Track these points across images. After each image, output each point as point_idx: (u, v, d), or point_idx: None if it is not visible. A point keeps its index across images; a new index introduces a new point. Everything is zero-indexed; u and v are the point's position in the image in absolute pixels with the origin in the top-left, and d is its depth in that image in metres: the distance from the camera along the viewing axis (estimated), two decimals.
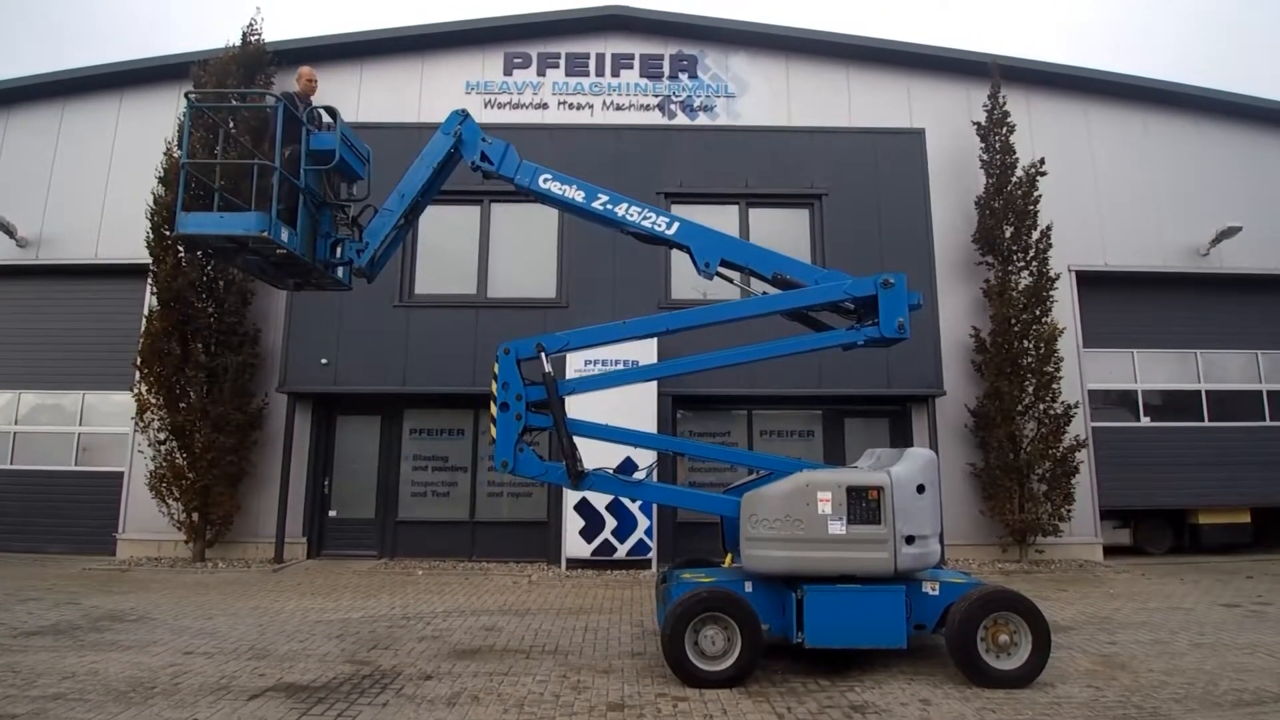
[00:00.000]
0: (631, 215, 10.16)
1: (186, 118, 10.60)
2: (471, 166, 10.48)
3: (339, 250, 10.37)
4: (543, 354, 9.75)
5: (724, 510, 9.87)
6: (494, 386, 9.82)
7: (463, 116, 10.43)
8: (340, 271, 10.59)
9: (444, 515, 18.67)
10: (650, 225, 10.12)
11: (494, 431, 9.79)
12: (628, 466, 14.22)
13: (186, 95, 10.58)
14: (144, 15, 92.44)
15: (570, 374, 15.04)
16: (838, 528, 8.96)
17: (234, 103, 18.37)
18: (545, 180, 10.30)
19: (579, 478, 9.75)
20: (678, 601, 8.84)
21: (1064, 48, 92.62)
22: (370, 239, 10.33)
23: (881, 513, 8.97)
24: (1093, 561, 18.20)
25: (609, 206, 10.18)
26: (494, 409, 9.79)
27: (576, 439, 9.84)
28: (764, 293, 10.24)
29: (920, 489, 9.13)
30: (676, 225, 10.11)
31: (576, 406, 10.09)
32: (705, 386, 17.93)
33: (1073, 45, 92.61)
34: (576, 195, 10.24)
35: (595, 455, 10.06)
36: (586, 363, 16.14)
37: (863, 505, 9.00)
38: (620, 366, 16.15)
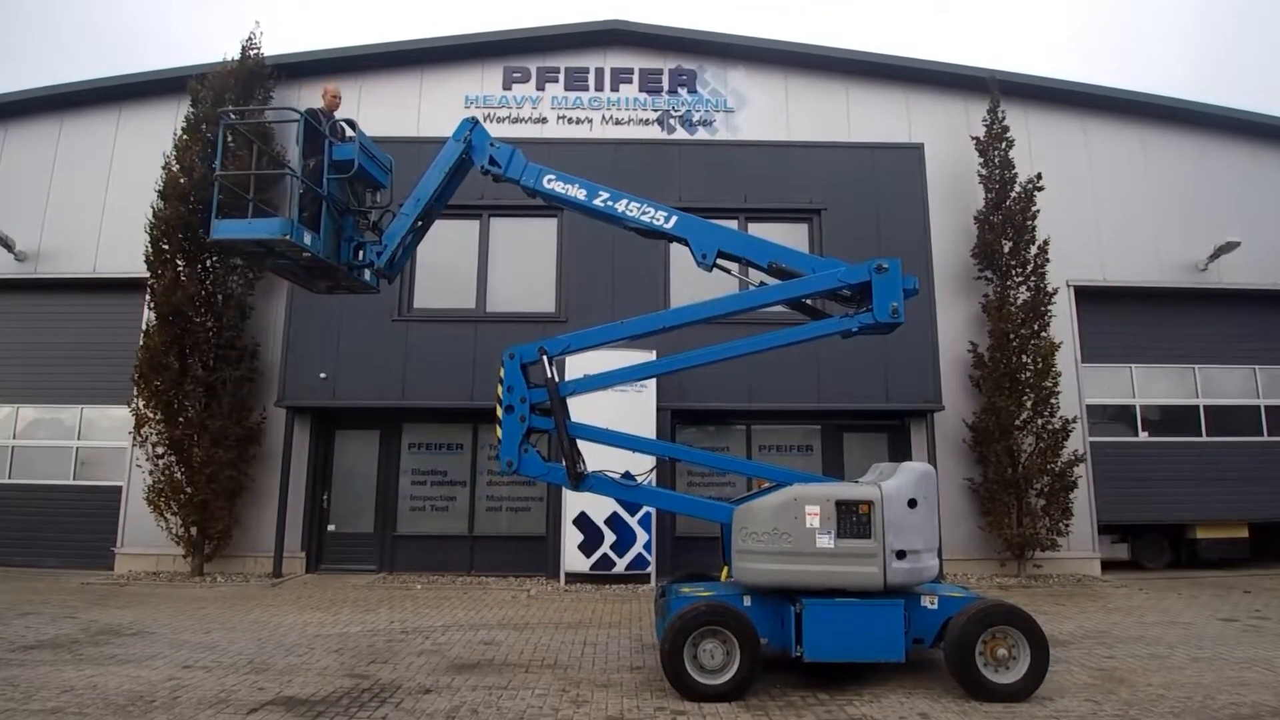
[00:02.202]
0: (631, 211, 10.34)
1: (220, 134, 11.33)
2: (481, 170, 10.78)
3: (361, 253, 10.85)
4: (544, 357, 9.93)
5: (721, 517, 9.93)
6: (499, 389, 10.02)
7: (473, 124, 10.76)
8: (367, 275, 11.08)
9: (443, 529, 18.67)
10: (649, 220, 10.29)
11: (499, 432, 9.97)
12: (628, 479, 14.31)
13: (221, 113, 11.27)
14: (145, 24, 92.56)
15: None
16: (826, 541, 8.98)
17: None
18: (549, 180, 10.53)
19: (579, 479, 9.88)
20: (677, 615, 8.85)
21: (1061, 49, 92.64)
22: (388, 241, 10.82)
23: (872, 527, 8.99)
24: (1091, 576, 18.21)
25: (609, 203, 10.39)
26: (499, 411, 9.99)
27: (581, 444, 10.01)
28: (761, 283, 10.34)
29: (912, 503, 9.12)
30: (675, 219, 10.25)
31: (578, 415, 10.19)
32: (704, 400, 18.00)
33: (1071, 46, 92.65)
34: (579, 194, 10.46)
35: (598, 465, 10.14)
36: (586, 376, 16.18)
37: (853, 519, 9.02)
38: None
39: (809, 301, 10.49)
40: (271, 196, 11.00)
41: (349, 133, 10.94)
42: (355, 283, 11.14)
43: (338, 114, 11.25)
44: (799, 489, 9.41)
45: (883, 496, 9.07)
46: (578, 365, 12.54)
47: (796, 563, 9.04)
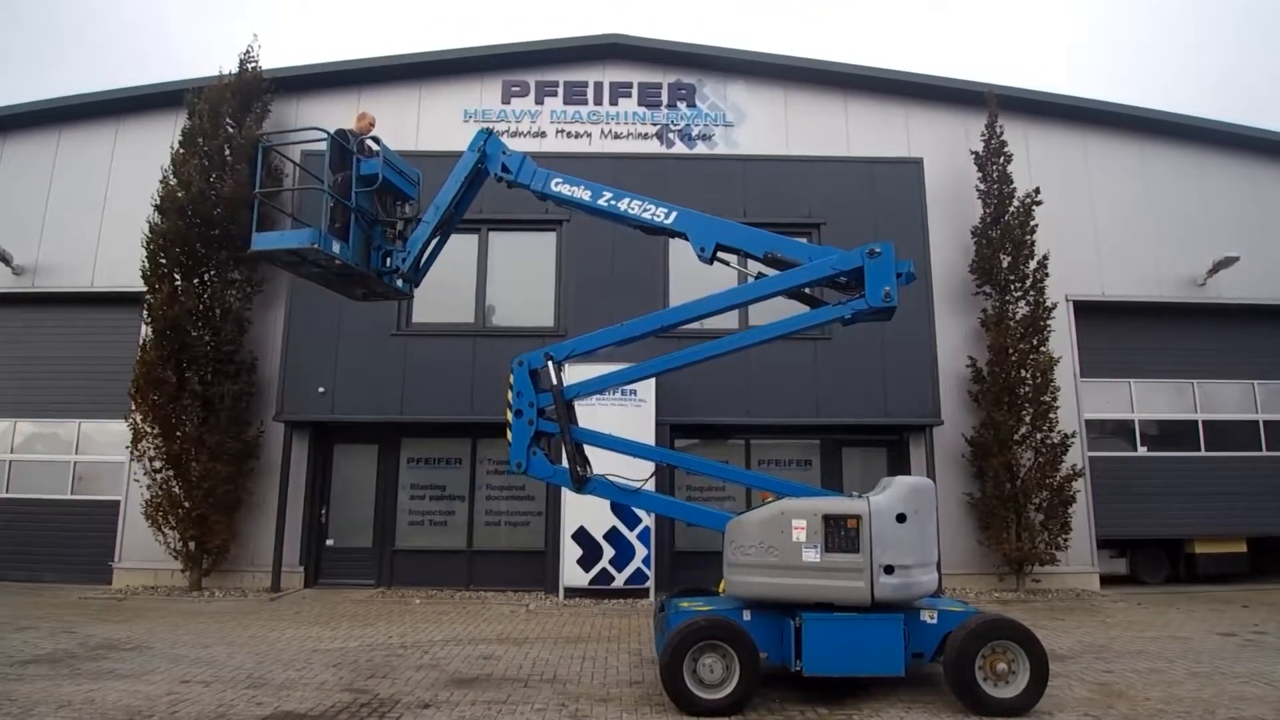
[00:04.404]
0: (633, 209, 10.75)
1: (259, 156, 12.15)
2: (495, 178, 11.41)
3: (388, 260, 11.56)
4: (550, 363, 10.28)
5: (718, 526, 10.01)
6: (509, 395, 10.41)
7: (487, 134, 11.52)
8: (400, 283, 11.83)
9: (441, 544, 18.65)
10: (650, 216, 10.68)
11: (509, 436, 10.36)
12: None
13: (258, 138, 12.01)
14: (143, 35, 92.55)
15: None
16: (812, 555, 9.02)
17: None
18: (557, 184, 11.12)
19: (582, 482, 10.23)
20: (676, 630, 8.85)
21: (1060, 60, 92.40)
22: (410, 247, 11.52)
23: (859, 542, 8.99)
24: (1089, 591, 18.20)
25: (612, 203, 10.83)
26: (509, 415, 10.37)
27: (587, 452, 10.45)
28: (759, 275, 10.46)
29: (900, 518, 9.09)
30: (675, 214, 10.59)
31: (583, 423, 10.59)
32: (703, 414, 18.00)
33: (1071, 56, 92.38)
34: (583, 195, 10.98)
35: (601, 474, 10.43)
36: (589, 378, 16.20)
37: (840, 534, 9.04)
38: (620, 395, 16.21)
39: (808, 291, 10.63)
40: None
41: (374, 148, 11.58)
42: (388, 288, 11.89)
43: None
44: (786, 503, 9.51)
45: (870, 511, 9.08)
46: (577, 375, 12.59)
47: (783, 576, 9.12)
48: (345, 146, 11.22)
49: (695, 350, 10.50)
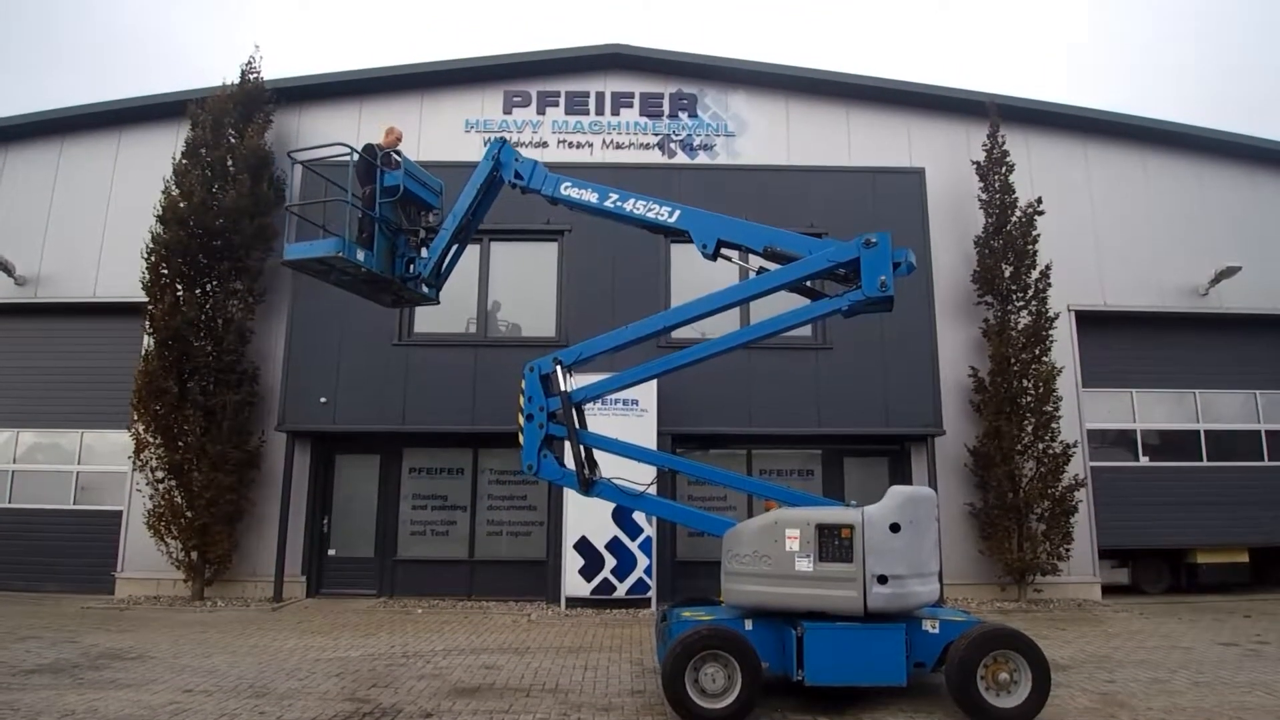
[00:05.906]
0: (638, 209, 11.07)
1: (291, 171, 13.35)
2: (510, 184, 11.81)
3: (411, 267, 12.20)
4: (558, 368, 10.65)
5: (719, 531, 10.19)
6: (520, 400, 10.75)
7: (500, 144, 12.01)
8: (425, 289, 12.46)
9: (443, 554, 18.63)
10: (654, 216, 10.98)
11: (521, 439, 10.68)
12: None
13: (290, 155, 12.93)
14: (145, 42, 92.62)
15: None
16: (805, 565, 9.06)
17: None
18: (566, 188, 11.52)
19: (588, 485, 10.53)
20: (678, 639, 8.87)
21: (1061, 66, 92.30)
22: (430, 254, 12.15)
23: (853, 551, 8.99)
24: (1091, 600, 18.16)
25: (619, 204, 11.17)
26: (521, 419, 10.71)
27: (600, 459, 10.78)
28: (759, 270, 10.59)
29: (894, 528, 9.08)
30: (678, 213, 10.88)
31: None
32: (704, 424, 17.99)
33: (1072, 59, 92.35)
34: (591, 197, 11.34)
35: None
36: (596, 381, 16.20)
37: (835, 543, 9.06)
38: (622, 405, 16.25)
39: (812, 286, 10.68)
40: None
41: (397, 160, 11.98)
42: (413, 294, 12.47)
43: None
44: (780, 512, 9.63)
45: (864, 521, 9.08)
46: (584, 381, 12.71)
47: (777, 585, 9.21)
48: (372, 162, 11.70)
49: (699, 348, 10.85)
